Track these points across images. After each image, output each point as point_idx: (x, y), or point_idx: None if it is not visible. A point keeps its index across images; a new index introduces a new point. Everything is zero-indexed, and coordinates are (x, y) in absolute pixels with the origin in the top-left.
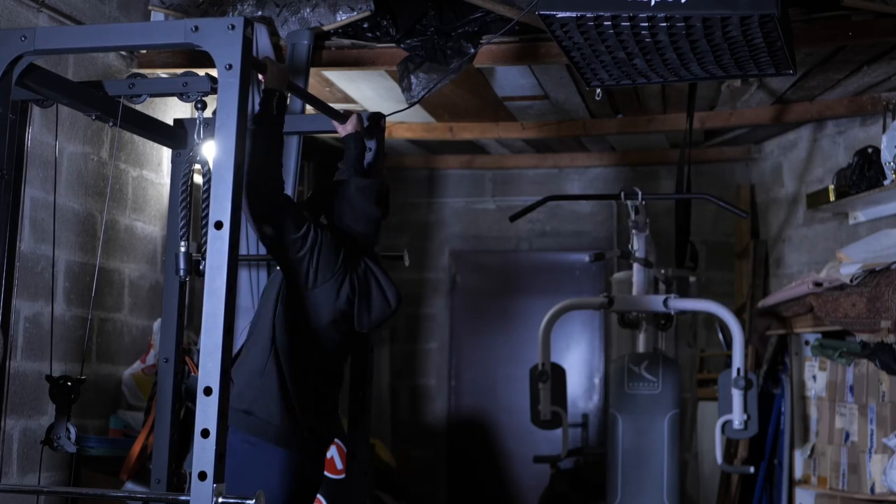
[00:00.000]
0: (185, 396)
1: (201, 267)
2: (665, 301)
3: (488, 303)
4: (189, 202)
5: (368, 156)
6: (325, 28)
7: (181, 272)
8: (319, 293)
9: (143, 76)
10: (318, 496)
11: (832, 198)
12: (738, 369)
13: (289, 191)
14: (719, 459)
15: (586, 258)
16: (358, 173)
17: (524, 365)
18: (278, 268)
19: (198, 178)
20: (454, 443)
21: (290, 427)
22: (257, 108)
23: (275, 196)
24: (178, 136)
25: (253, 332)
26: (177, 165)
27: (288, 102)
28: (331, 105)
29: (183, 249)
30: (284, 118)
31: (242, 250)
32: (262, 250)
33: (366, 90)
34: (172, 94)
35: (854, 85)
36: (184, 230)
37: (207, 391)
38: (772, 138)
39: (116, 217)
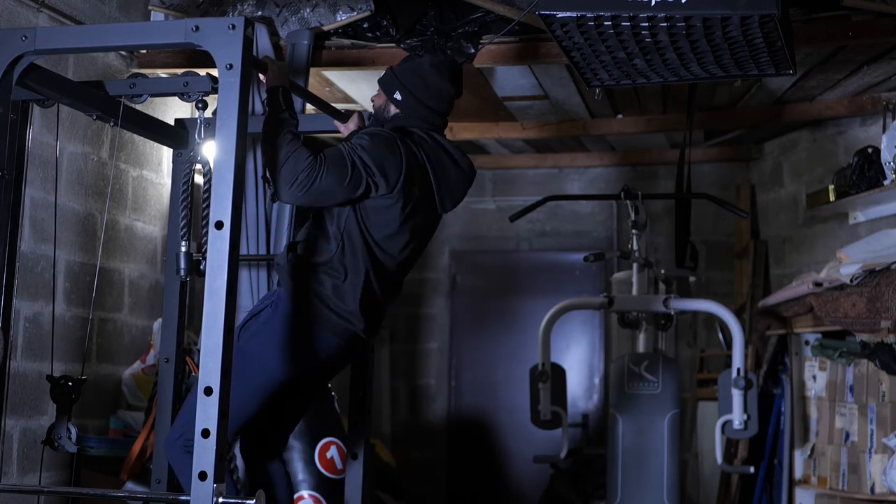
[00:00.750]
0: (185, 396)
1: (202, 266)
2: (665, 301)
3: (488, 303)
4: (190, 202)
5: None
6: (325, 28)
7: (182, 272)
8: (399, 191)
9: (143, 76)
10: (318, 496)
11: (832, 198)
12: (738, 369)
13: None
14: (719, 459)
15: (584, 258)
16: None
17: (524, 365)
18: None
19: (199, 179)
20: (454, 443)
21: (347, 313)
22: (259, 108)
23: (315, 174)
24: (178, 136)
25: (320, 221)
26: (178, 165)
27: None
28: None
29: (184, 249)
30: (296, 111)
31: (242, 250)
32: (262, 250)
33: (366, 90)
34: (173, 94)
35: (854, 85)
36: (185, 230)
37: (208, 391)
38: (772, 138)
39: (116, 217)
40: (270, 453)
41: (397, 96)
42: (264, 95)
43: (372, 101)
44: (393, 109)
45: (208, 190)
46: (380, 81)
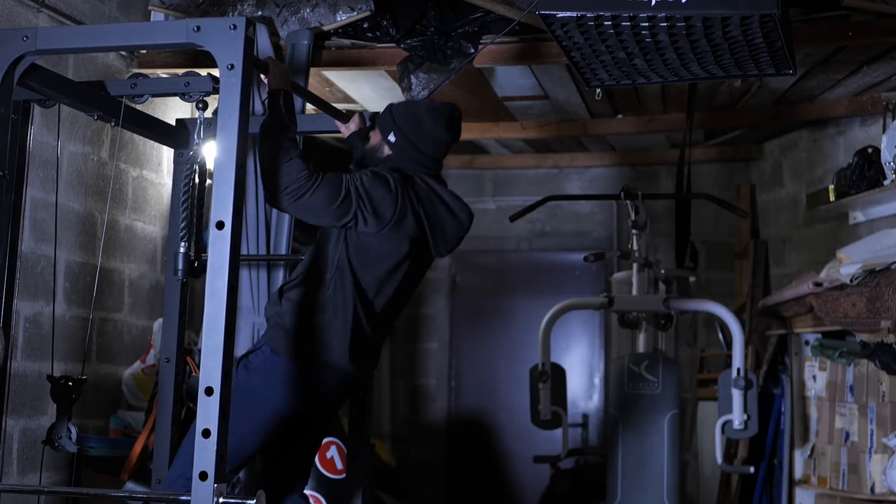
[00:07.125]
0: (186, 397)
1: (196, 265)
2: (665, 301)
3: (488, 303)
4: (191, 203)
5: None
6: (325, 28)
7: (179, 273)
8: (390, 233)
9: (144, 76)
10: (319, 496)
11: (832, 198)
12: (738, 369)
13: None
14: (719, 459)
15: (584, 258)
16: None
17: (524, 365)
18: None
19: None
20: (454, 443)
21: (337, 356)
22: (259, 108)
23: (307, 187)
24: (179, 136)
25: (315, 261)
26: (178, 165)
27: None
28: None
29: (182, 250)
30: (296, 115)
31: (242, 250)
32: (263, 250)
33: (366, 90)
34: (174, 94)
35: (854, 85)
36: (185, 231)
37: (208, 391)
38: (772, 138)
39: (116, 217)
40: (290, 488)
41: (391, 138)
42: (265, 96)
43: (369, 137)
44: (386, 150)
45: (202, 190)
46: (377, 120)
